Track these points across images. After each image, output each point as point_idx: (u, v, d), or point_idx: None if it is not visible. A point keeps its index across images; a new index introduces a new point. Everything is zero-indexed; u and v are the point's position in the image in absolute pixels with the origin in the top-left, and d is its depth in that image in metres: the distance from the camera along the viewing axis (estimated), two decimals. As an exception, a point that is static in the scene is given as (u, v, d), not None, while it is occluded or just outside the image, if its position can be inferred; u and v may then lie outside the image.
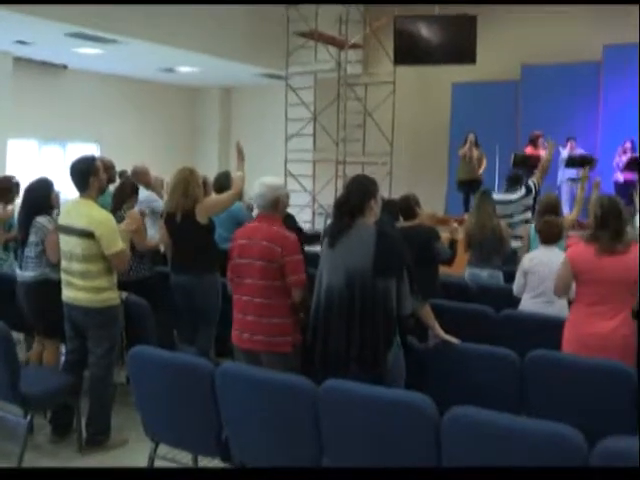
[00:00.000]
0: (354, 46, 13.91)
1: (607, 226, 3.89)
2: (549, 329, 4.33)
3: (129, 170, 7.29)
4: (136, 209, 5.37)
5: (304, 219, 11.83)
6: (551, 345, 3.89)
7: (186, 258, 5.15)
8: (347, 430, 3.03)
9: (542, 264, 4.86)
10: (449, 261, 5.54)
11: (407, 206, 5.48)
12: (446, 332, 3.78)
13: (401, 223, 5.53)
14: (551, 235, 4.98)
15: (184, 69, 14.42)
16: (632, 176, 10.86)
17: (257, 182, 3.96)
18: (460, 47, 12.62)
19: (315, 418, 3.06)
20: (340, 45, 13.61)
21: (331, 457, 3.10)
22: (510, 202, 7.37)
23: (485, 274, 6.00)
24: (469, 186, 11.71)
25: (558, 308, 4.73)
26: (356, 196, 3.53)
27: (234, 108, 17.34)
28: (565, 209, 11.66)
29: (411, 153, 14.19)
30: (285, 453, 3.24)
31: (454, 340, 3.78)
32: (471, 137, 11.66)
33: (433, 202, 5.71)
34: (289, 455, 3.23)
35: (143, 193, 6.43)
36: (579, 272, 4.02)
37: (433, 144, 14.05)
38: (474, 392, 3.64)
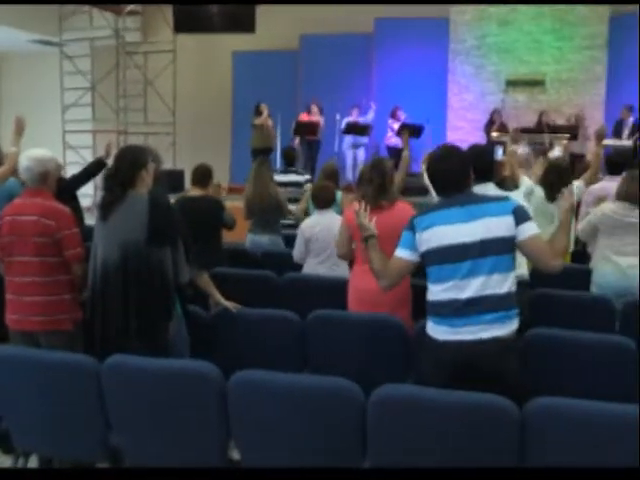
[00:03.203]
0: (132, 13, 13.53)
1: (371, 181, 4.07)
2: (331, 289, 4.52)
3: None
4: None
5: (86, 192, 11.39)
6: (334, 304, 4.04)
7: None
8: (135, 405, 2.99)
9: (324, 230, 4.98)
10: (232, 227, 5.63)
11: (206, 174, 5.44)
12: (229, 299, 3.82)
13: (189, 192, 5.52)
14: (325, 200, 5.13)
15: (-57, 33, 13.20)
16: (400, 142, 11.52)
17: (23, 155, 3.76)
18: (239, 16, 12.67)
19: (99, 396, 3.00)
20: (117, 11, 13.15)
21: (120, 435, 3.06)
22: None
23: (266, 240, 6.11)
24: (263, 154, 11.91)
25: (342, 271, 4.93)
26: (126, 167, 3.46)
27: (4, 76, 16.17)
28: (349, 174, 12.19)
29: (194, 122, 14.09)
30: (71, 436, 3.14)
31: (232, 306, 3.83)
32: (266, 107, 11.87)
33: (218, 171, 5.70)
34: (76, 437, 3.14)
35: None
36: (353, 230, 4.21)
37: (216, 113, 14.03)
38: (261, 355, 3.73)
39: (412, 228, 3.14)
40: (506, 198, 3.15)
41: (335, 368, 3.20)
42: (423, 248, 3.10)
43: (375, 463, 2.74)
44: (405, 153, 5.89)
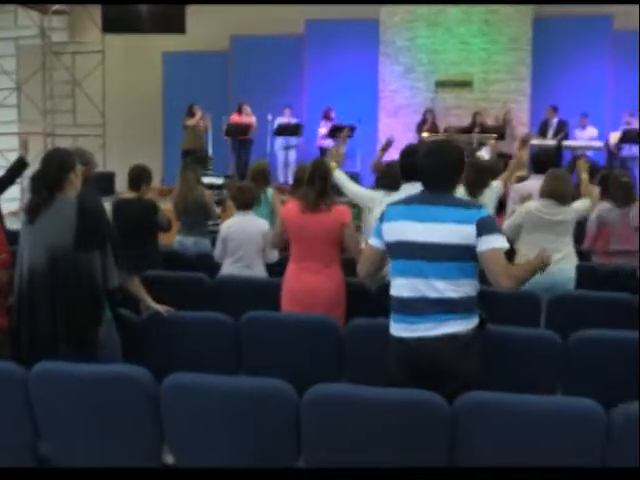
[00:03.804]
0: (58, 12, 13.23)
1: (313, 184, 4.11)
2: (265, 290, 4.52)
3: None
4: None
5: (11, 196, 11.11)
6: (267, 305, 4.04)
7: None
8: (64, 412, 2.94)
9: (239, 230, 4.98)
10: (167, 229, 5.61)
11: (140, 176, 5.40)
12: (161, 302, 3.78)
13: (126, 194, 5.50)
14: (243, 201, 5.12)
15: None
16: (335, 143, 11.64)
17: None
18: (169, 16, 12.55)
19: (27, 404, 2.93)
20: (43, 10, 12.86)
21: (50, 443, 2.99)
22: None
23: (191, 241, 6.10)
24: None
25: (256, 271, 4.95)
26: (54, 170, 3.40)
27: None
28: (280, 175, 12.24)
29: (124, 124, 13.88)
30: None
31: (163, 309, 3.78)
32: (200, 109, 11.85)
33: (150, 173, 5.72)
34: (3, 447, 3.04)
35: None
36: (288, 228, 4.23)
37: (146, 114, 13.86)
38: (194, 358, 3.71)
39: (381, 217, 3.16)
40: (480, 207, 3.10)
41: (270, 369, 3.20)
42: (386, 239, 3.11)
43: (310, 462, 2.75)
44: (340, 152, 5.94)
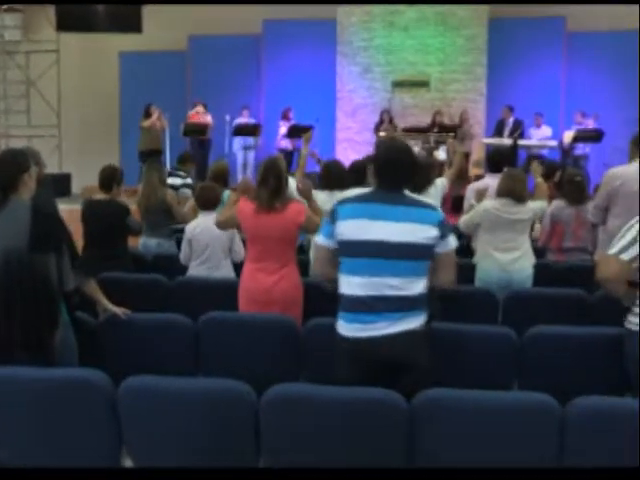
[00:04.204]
0: (11, 10, 13.02)
1: (266, 184, 4.06)
2: (223, 291, 4.50)
3: None
4: None
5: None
6: (227, 306, 4.03)
7: None
8: (20, 418, 2.90)
9: (204, 231, 4.93)
10: (138, 232, 5.57)
11: (110, 177, 5.35)
12: (119, 304, 3.75)
13: (97, 195, 5.45)
14: (207, 201, 5.10)
15: None
16: (293, 143, 11.70)
17: None
18: (125, 16, 12.45)
19: (-18, 410, 2.90)
20: (-6, 9, 12.68)
21: (5, 450, 2.94)
22: None
23: (154, 243, 6.05)
24: (150, 156, 11.81)
25: (224, 272, 4.92)
26: (7, 171, 3.34)
27: None
28: (239, 175, 12.24)
29: (81, 124, 13.72)
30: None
31: (121, 312, 3.75)
32: (157, 109, 11.76)
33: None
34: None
35: None
36: (243, 228, 4.21)
37: (103, 115, 13.72)
38: (153, 360, 3.67)
39: (332, 215, 3.12)
40: (435, 207, 3.15)
41: (228, 370, 3.18)
42: (341, 237, 3.08)
43: (269, 463, 2.76)
44: (303, 152, 5.96)
